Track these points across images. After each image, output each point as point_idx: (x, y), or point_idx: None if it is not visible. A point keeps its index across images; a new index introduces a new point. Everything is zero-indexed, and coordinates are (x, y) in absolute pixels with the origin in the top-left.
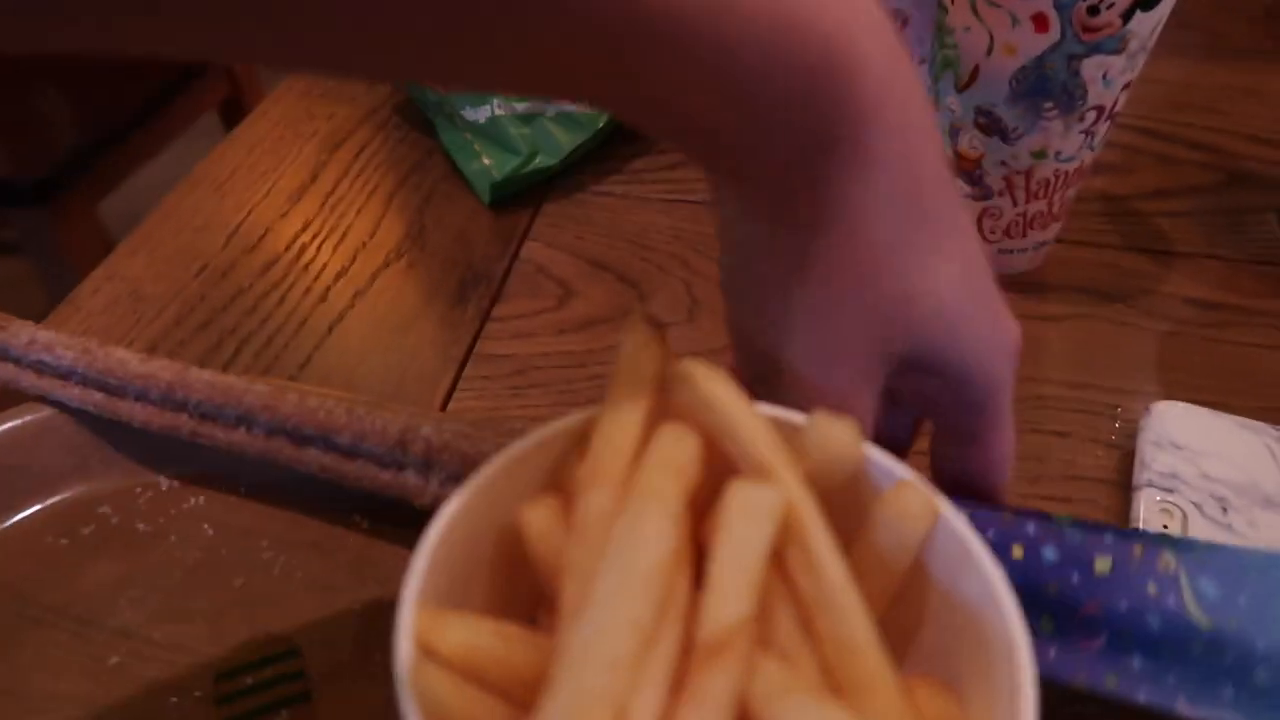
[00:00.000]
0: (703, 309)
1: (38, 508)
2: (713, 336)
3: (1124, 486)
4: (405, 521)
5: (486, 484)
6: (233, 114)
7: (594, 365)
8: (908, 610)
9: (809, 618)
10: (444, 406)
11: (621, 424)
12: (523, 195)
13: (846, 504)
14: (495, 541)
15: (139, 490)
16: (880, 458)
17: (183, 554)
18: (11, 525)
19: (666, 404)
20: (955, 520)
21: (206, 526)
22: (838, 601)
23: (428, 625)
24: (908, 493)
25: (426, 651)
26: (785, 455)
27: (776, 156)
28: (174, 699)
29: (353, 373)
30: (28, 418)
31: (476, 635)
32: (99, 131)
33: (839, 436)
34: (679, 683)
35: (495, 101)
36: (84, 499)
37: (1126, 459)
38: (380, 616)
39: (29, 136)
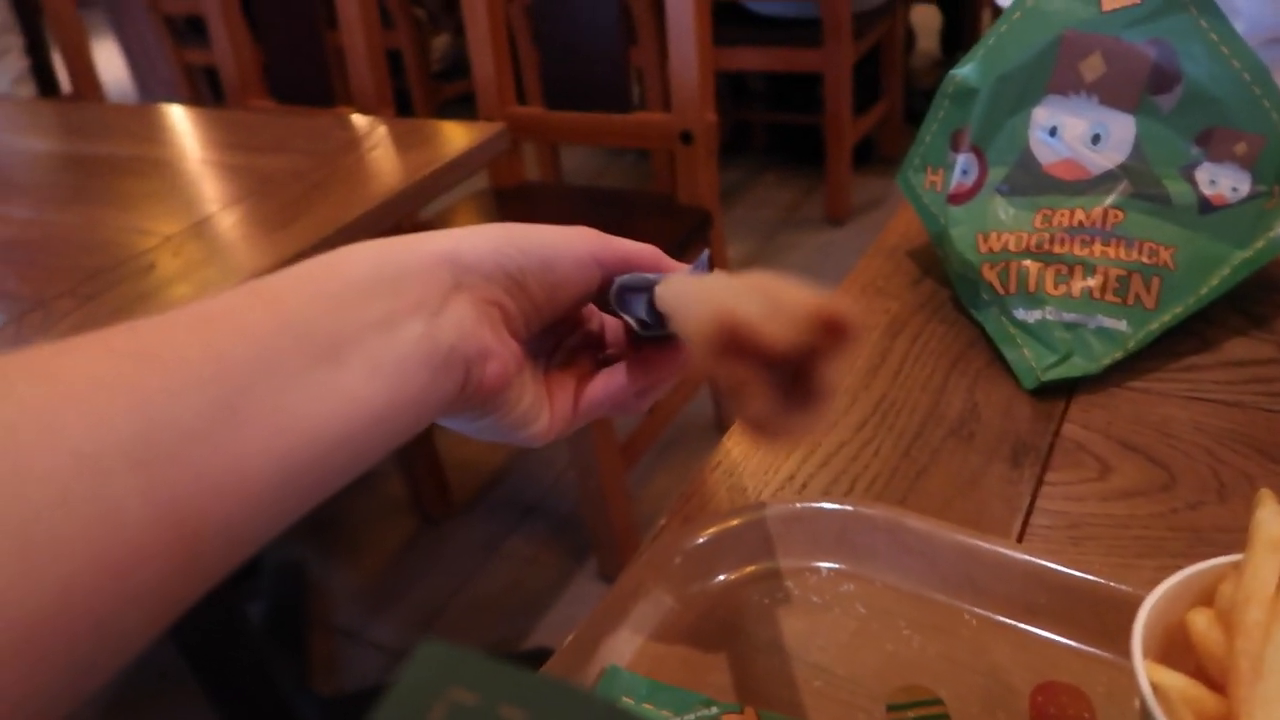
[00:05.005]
0: (1230, 491)
1: (751, 569)
2: (1242, 516)
3: None
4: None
5: (1165, 590)
6: None
7: (1137, 529)
8: None
9: None
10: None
11: (1266, 566)
12: (1057, 382)
13: None
14: (1164, 627)
15: (808, 572)
16: None
17: (845, 623)
18: (730, 580)
19: None
20: None
21: (859, 606)
22: None
23: (1151, 669)
24: None
25: (1154, 685)
26: None
27: None
28: (861, 715)
29: (941, 515)
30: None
31: (1179, 681)
32: None
33: None
34: None
35: (1048, 308)
36: (770, 572)
37: None
38: (994, 679)
39: None
